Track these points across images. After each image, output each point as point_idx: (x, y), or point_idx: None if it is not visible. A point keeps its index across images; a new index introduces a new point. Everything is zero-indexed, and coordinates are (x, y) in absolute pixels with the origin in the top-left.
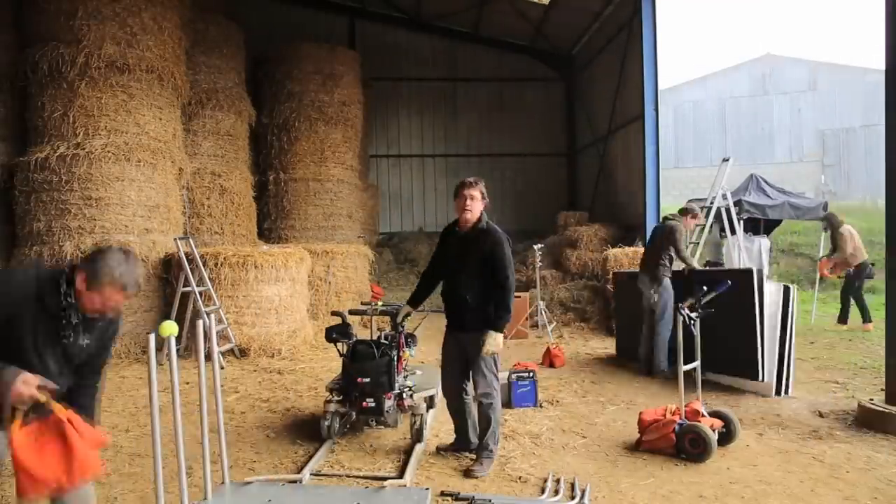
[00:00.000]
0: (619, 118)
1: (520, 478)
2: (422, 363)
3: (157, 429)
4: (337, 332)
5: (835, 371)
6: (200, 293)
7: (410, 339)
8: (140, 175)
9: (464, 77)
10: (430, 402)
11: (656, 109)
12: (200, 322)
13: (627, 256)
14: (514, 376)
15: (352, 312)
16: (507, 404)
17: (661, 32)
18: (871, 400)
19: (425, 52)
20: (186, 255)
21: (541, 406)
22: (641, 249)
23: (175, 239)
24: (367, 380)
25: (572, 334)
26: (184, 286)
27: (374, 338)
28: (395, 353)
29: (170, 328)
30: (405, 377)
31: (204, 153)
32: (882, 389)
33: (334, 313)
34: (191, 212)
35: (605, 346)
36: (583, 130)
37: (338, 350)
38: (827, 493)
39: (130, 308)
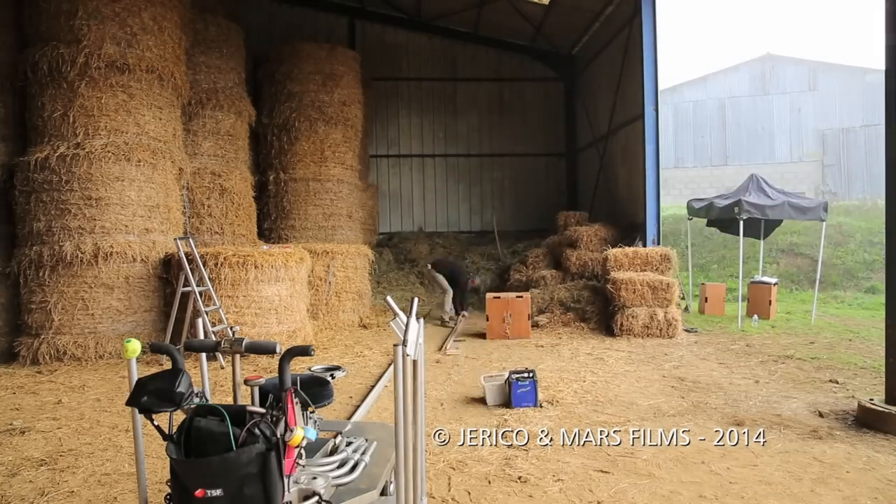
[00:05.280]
0: (619, 118)
1: (520, 478)
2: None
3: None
4: (153, 394)
5: (835, 371)
6: (200, 293)
7: (321, 389)
8: (140, 175)
9: (464, 77)
10: None
11: (656, 109)
12: (200, 321)
13: (627, 256)
14: (514, 376)
15: (190, 348)
16: (507, 404)
17: (661, 32)
18: (871, 400)
19: (425, 52)
20: (186, 255)
21: (541, 406)
22: (641, 249)
23: (175, 239)
24: (218, 493)
25: (572, 334)
26: (184, 286)
27: (235, 400)
28: (278, 433)
29: (132, 349)
30: (304, 470)
31: (204, 153)
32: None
33: (155, 348)
34: (191, 212)
35: (606, 345)
36: (583, 130)
37: (157, 429)
38: (827, 493)
39: (130, 308)
